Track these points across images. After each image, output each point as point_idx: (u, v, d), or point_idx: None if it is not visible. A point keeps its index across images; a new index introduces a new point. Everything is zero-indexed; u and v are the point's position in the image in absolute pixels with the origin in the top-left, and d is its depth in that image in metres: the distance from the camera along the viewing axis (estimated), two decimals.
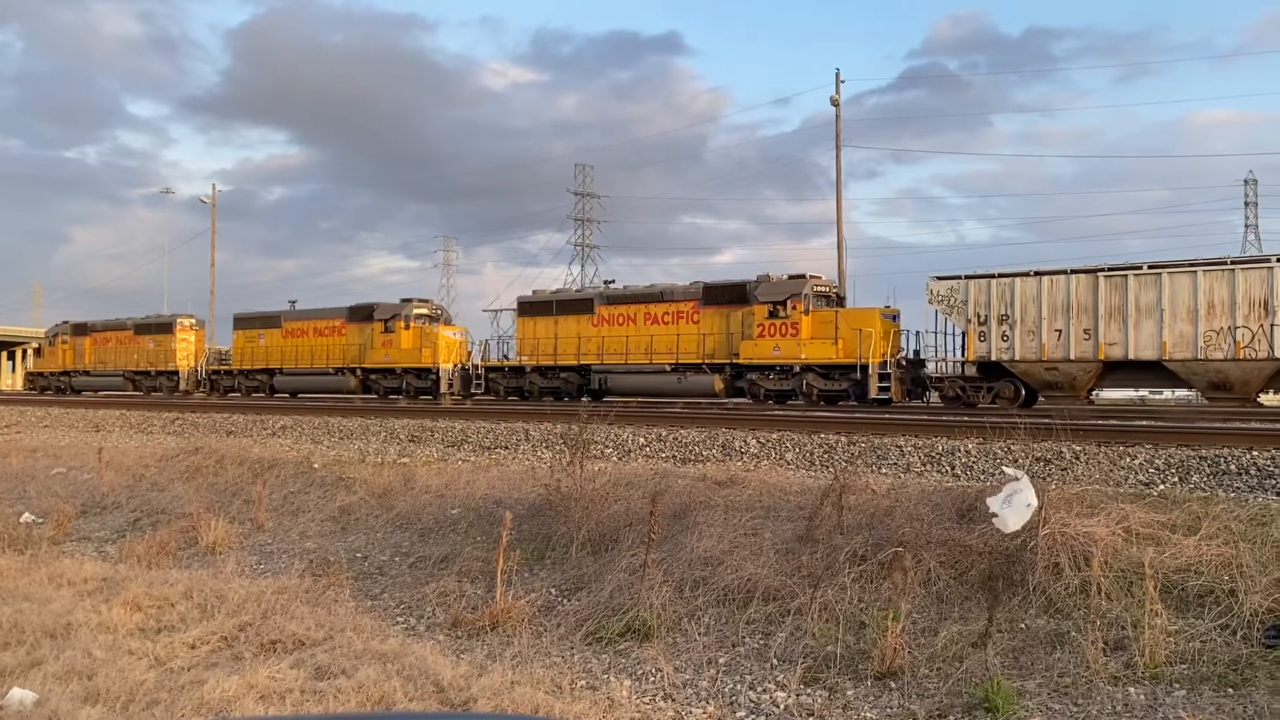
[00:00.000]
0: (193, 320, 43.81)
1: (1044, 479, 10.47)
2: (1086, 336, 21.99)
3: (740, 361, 26.66)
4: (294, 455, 17.93)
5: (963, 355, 24.08)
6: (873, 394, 23.99)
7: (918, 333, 25.78)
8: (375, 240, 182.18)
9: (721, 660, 7.92)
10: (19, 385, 79.07)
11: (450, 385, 32.70)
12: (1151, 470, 11.21)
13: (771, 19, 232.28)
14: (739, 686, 7.48)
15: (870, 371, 23.98)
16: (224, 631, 8.51)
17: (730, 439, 15.18)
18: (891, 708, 6.89)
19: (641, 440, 15.80)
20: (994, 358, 23.04)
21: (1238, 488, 10.39)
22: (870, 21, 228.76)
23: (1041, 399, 23.03)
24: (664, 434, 16.05)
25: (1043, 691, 6.74)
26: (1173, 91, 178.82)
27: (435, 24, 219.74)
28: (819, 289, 26.77)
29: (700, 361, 27.38)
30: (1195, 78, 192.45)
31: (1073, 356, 22.10)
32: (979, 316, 23.27)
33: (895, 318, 25.52)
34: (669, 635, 8.40)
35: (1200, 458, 11.29)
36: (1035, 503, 8.32)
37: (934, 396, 24.91)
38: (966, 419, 16.42)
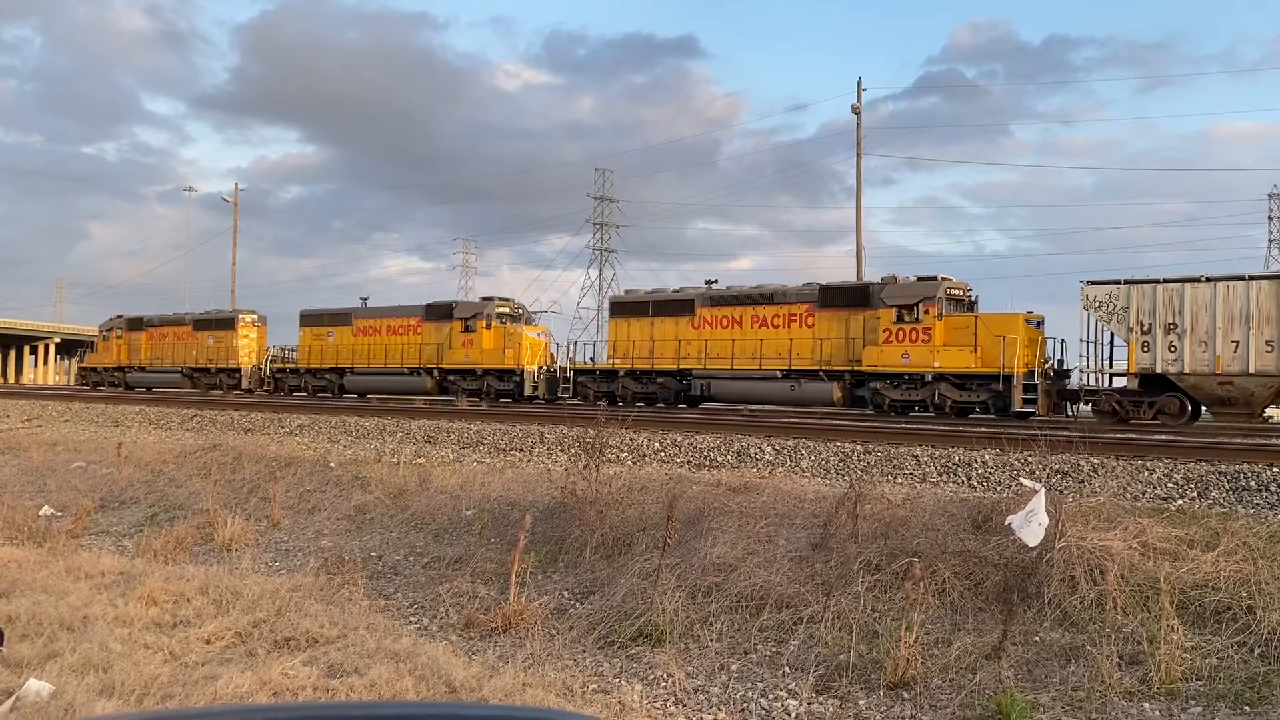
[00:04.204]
0: (255, 316, 42.56)
1: (1061, 492, 10.42)
2: (1269, 349, 20.15)
3: (863, 369, 24.81)
4: (311, 454, 18.03)
5: (1112, 366, 22.43)
6: (1016, 406, 22.16)
7: (1062, 341, 24.01)
8: (390, 241, 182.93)
9: (733, 667, 7.91)
10: (42, 379, 79.86)
11: (535, 388, 31.42)
12: (1170, 485, 11.12)
13: (788, 24, 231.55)
14: (750, 693, 7.47)
15: (1015, 382, 22.15)
16: (239, 627, 8.56)
17: (745, 445, 15.16)
18: (904, 718, 6.87)
19: (656, 445, 15.81)
20: (1159, 370, 21.20)
21: (1257, 504, 10.30)
22: (889, 28, 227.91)
23: (1207, 415, 21.41)
24: (679, 439, 16.05)
25: (1056, 705, 6.70)
26: (1195, 103, 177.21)
27: (446, 23, 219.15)
28: (952, 292, 24.54)
29: (816, 368, 25.59)
30: (1218, 89, 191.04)
31: (1252, 370, 20.23)
32: (1141, 325, 21.47)
33: (1039, 324, 23.67)
34: (681, 641, 8.40)
35: (1219, 473, 11.20)
36: (1045, 522, 8.25)
37: (1084, 410, 23.05)
38: (984, 430, 16.35)
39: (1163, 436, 16.07)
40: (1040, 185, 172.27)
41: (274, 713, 2.13)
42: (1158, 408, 21.23)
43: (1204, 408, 21.52)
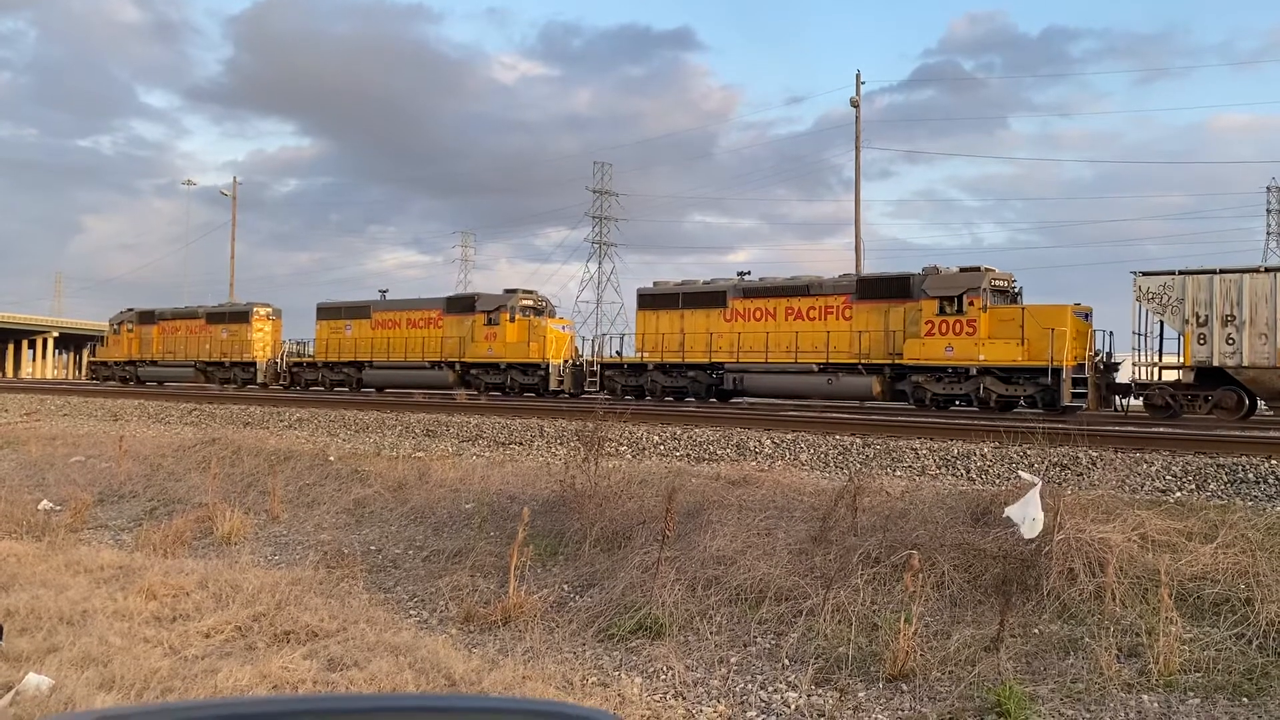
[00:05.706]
0: (269, 309, 41.75)
1: (1060, 484, 10.42)
2: None
3: (904, 362, 24.20)
4: (310, 448, 18.01)
5: (1161, 358, 21.98)
6: (1065, 400, 21.57)
7: (1110, 333, 23.52)
8: (387, 234, 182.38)
9: (733, 659, 7.92)
10: (40, 374, 79.78)
11: (561, 382, 30.87)
12: (1168, 477, 11.14)
13: (784, 16, 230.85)
14: (750, 686, 7.48)
15: (1064, 375, 21.53)
16: (238, 621, 8.57)
17: (745, 439, 15.17)
18: (903, 710, 6.88)
19: (656, 438, 15.81)
20: (1217, 363, 20.59)
21: (1256, 496, 10.31)
22: (886, 20, 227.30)
23: (1264, 408, 20.99)
24: (678, 433, 16.05)
25: (1055, 697, 6.72)
26: (1193, 95, 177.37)
27: (441, 15, 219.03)
28: (996, 283, 24.00)
29: (855, 361, 25.02)
30: (1217, 81, 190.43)
31: None
32: (1198, 317, 20.82)
33: (1088, 316, 22.97)
34: (680, 633, 8.41)
35: (1218, 465, 11.21)
36: (1039, 516, 8.26)
37: (1133, 404, 22.56)
38: (983, 423, 16.36)
39: (1161, 429, 16.09)
40: (1038, 178, 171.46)
41: (273, 705, 2.13)
42: (1214, 402, 20.74)
43: (1261, 401, 21.09)
